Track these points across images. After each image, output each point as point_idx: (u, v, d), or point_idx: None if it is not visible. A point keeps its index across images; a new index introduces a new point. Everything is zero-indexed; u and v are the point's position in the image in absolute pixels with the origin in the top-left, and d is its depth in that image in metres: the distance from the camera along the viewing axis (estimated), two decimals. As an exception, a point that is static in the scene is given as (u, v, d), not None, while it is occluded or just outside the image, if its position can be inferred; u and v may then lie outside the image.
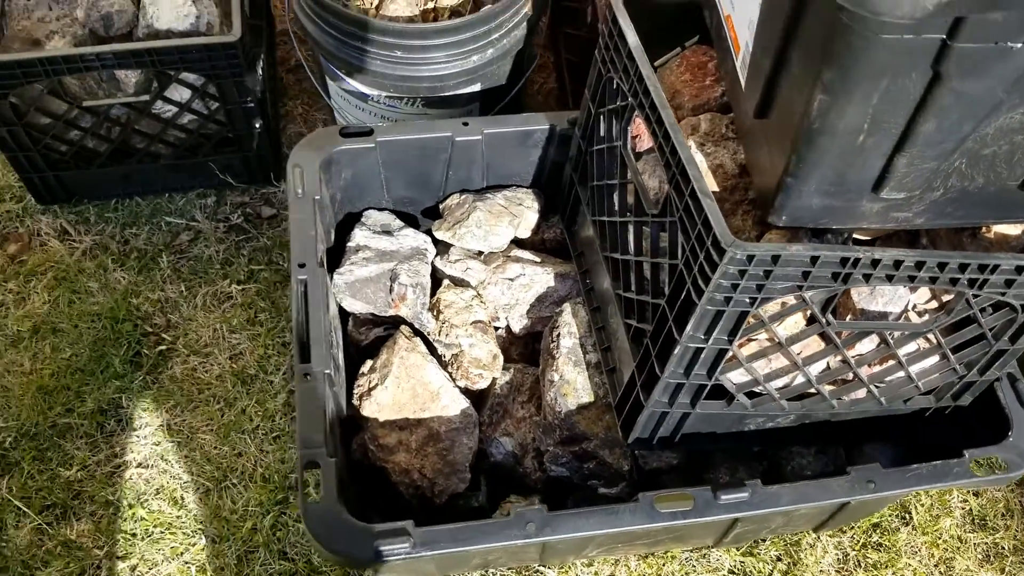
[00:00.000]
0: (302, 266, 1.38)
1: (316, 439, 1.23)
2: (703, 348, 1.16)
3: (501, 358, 1.52)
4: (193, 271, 1.93)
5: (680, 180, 1.14)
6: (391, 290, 1.50)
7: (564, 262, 1.64)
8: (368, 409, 1.42)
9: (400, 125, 1.57)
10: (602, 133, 1.46)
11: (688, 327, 1.13)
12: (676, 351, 1.17)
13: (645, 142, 1.38)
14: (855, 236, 1.25)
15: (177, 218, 2.01)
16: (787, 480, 1.46)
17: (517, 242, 1.67)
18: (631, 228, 1.35)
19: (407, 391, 1.43)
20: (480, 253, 1.64)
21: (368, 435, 1.43)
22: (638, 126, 1.37)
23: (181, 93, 1.80)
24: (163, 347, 1.83)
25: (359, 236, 1.56)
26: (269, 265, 1.95)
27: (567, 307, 1.51)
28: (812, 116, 0.96)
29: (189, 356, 1.82)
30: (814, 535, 1.68)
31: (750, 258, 1.05)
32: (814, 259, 1.06)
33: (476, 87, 1.72)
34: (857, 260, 1.07)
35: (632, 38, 1.28)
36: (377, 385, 1.42)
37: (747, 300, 1.10)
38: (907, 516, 1.74)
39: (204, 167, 1.99)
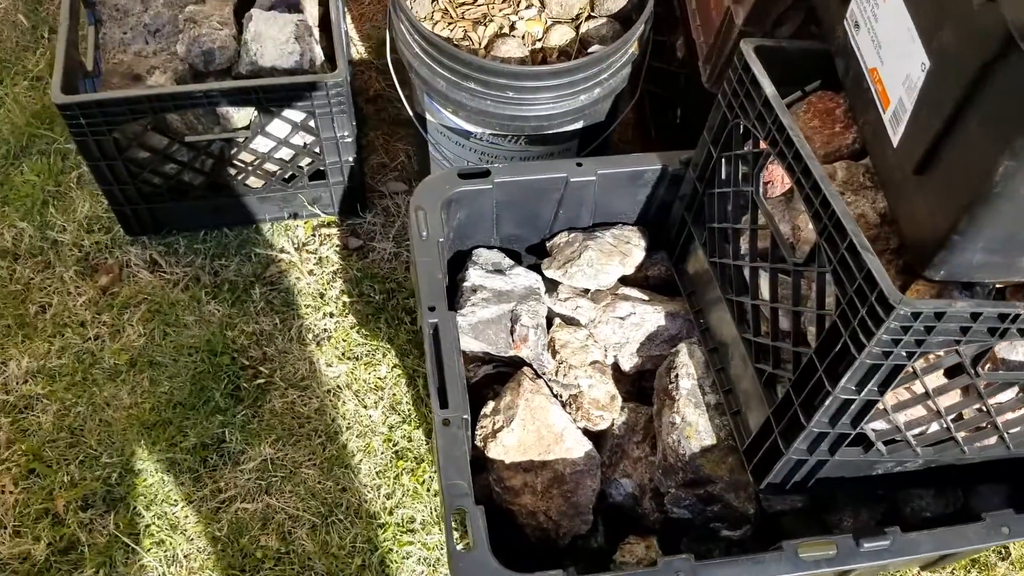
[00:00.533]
0: (432, 309, 1.39)
1: (461, 486, 1.24)
2: (853, 399, 1.17)
3: (619, 399, 1.53)
4: (286, 303, 1.94)
5: (835, 233, 1.15)
6: (513, 331, 1.51)
7: (671, 299, 1.65)
8: (494, 451, 1.43)
9: (516, 166, 1.58)
10: (724, 176, 1.47)
11: (843, 379, 1.14)
12: (826, 402, 1.18)
13: (777, 188, 1.39)
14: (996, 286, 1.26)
15: (266, 249, 2.02)
16: (907, 521, 1.48)
17: (622, 279, 1.67)
18: (763, 274, 1.36)
19: (532, 433, 1.44)
20: (587, 291, 1.65)
21: (493, 476, 1.44)
22: (770, 172, 1.38)
23: (280, 127, 1.81)
24: (261, 380, 1.83)
25: (474, 276, 1.57)
26: (361, 297, 1.96)
27: (683, 347, 1.52)
28: (994, 180, 0.97)
29: (287, 389, 1.83)
30: (916, 569, 1.69)
31: (915, 315, 1.06)
32: (975, 315, 1.08)
33: (579, 124, 1.73)
34: (1017, 316, 1.08)
35: (769, 88, 1.30)
36: (503, 427, 1.43)
37: (905, 354, 1.11)
38: (1004, 551, 1.75)
39: (293, 198, 2.00)
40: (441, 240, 1.47)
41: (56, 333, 1.87)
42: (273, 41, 1.78)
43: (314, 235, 2.06)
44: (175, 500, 1.70)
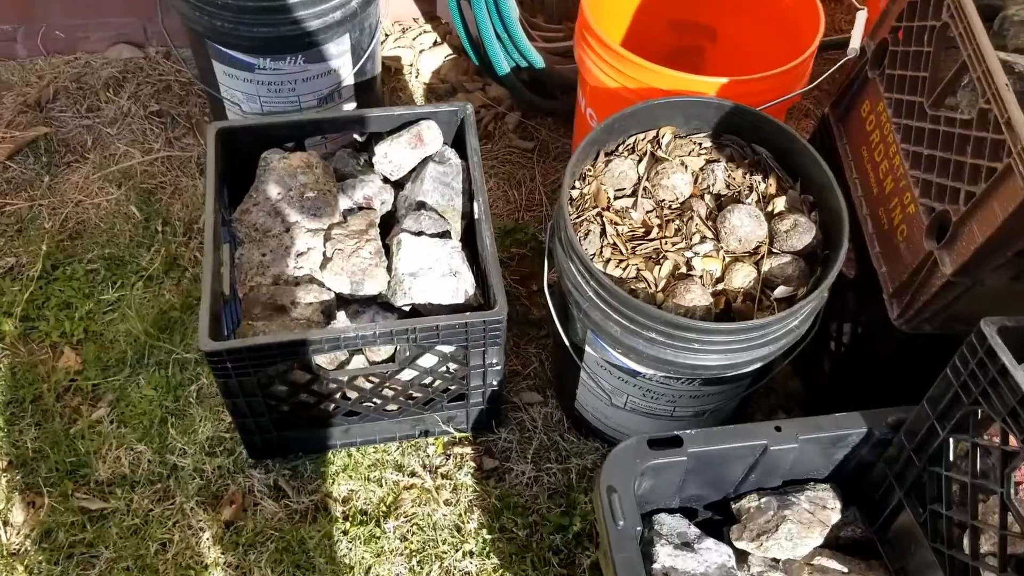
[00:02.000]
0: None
1: None
2: None
3: None
4: (423, 542, 1.79)
5: None
6: (718, 631, 1.34)
7: (868, 565, 1.49)
8: None
9: (711, 433, 1.45)
10: (953, 458, 1.32)
11: None
12: None
13: (1036, 492, 1.24)
14: None
15: (398, 473, 1.88)
16: None
17: (812, 542, 1.51)
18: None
19: None
20: (777, 560, 1.49)
21: None
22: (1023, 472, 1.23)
23: (427, 359, 1.69)
24: (403, 637, 1.67)
25: (663, 555, 1.42)
26: (502, 533, 1.81)
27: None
28: None
29: (432, 649, 1.66)
30: None
31: None
32: None
33: (756, 366, 1.59)
34: None
35: (1028, 384, 1.15)
36: None
37: None
38: None
39: (427, 418, 1.87)
40: (639, 529, 1.32)
41: (179, 577, 1.73)
42: (427, 273, 1.68)
43: (447, 455, 1.92)
44: None
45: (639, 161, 1.70)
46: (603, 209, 1.65)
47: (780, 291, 1.55)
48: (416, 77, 2.60)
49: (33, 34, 2.55)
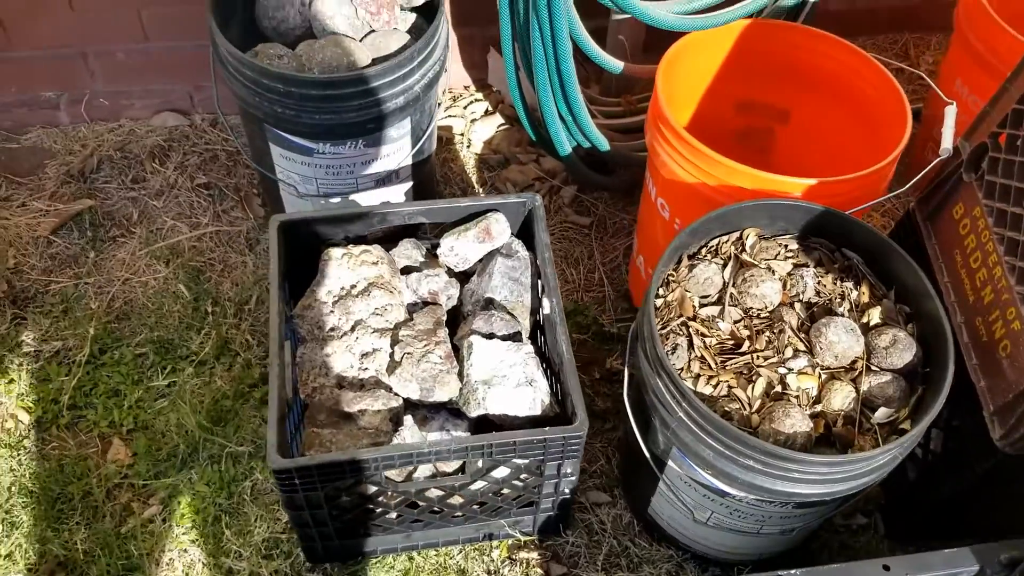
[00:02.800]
0: None
1: None
2: None
3: None
4: (492, 658, 1.71)
5: None
6: None
7: None
8: None
9: (818, 573, 1.37)
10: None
11: None
12: None
13: None
14: None
15: (462, 581, 1.80)
16: None
17: None
18: None
19: None
20: None
21: None
22: None
23: (500, 470, 1.62)
24: None
25: None
26: (574, 649, 1.73)
27: None
28: None
29: None
30: None
31: None
32: None
33: (855, 492, 1.51)
34: None
35: None
36: None
37: None
38: None
39: (493, 522, 1.79)
40: None
41: None
42: (502, 381, 1.60)
43: (512, 559, 1.84)
44: None
45: (724, 266, 1.63)
46: (689, 318, 1.58)
47: (881, 414, 1.47)
48: (468, 147, 2.54)
49: (77, 101, 2.49)
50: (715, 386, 1.51)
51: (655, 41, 2.40)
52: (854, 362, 1.53)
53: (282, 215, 1.77)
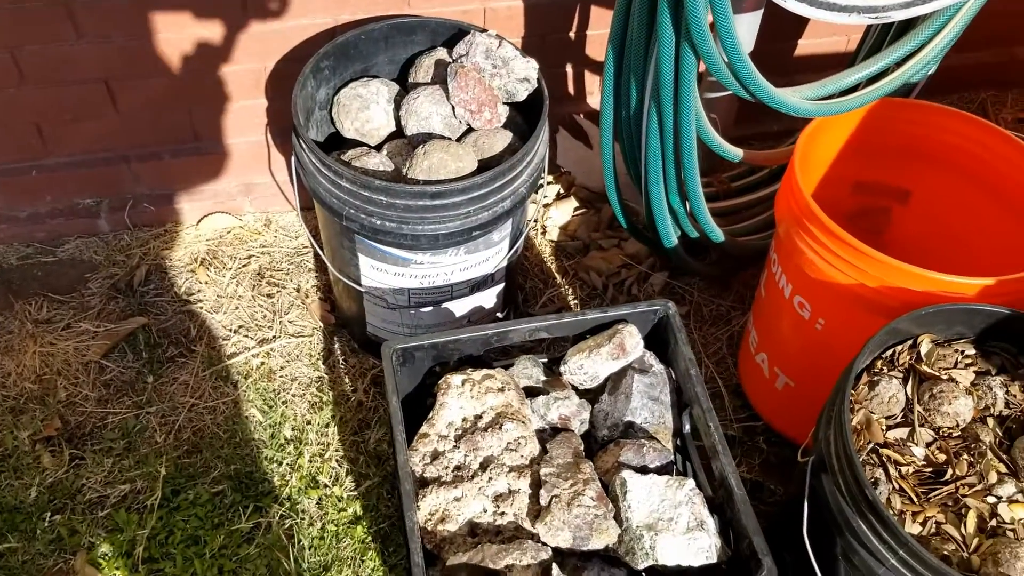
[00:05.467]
0: None
1: None
2: None
3: None
4: None
5: None
6: None
7: None
8: None
9: None
10: None
11: None
12: None
13: None
14: None
15: None
16: None
17: None
18: None
19: None
20: None
21: None
22: None
23: (670, 624, 1.43)
24: None
25: None
26: None
27: None
28: None
29: None
30: None
31: None
32: None
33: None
34: None
35: None
36: None
37: None
38: None
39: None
40: None
41: None
42: (669, 526, 1.42)
43: None
44: None
45: (904, 380, 1.47)
46: (879, 444, 1.41)
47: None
48: (543, 235, 2.37)
49: (118, 207, 2.29)
50: (923, 524, 1.34)
51: (744, 117, 2.27)
52: (1068, 485, 1.37)
53: (397, 342, 1.58)
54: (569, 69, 2.34)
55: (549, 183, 2.46)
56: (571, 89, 2.39)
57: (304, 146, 1.71)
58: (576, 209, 2.41)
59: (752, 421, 2.04)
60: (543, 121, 1.76)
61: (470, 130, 1.81)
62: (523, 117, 1.90)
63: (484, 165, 1.74)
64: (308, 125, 1.85)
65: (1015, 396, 1.47)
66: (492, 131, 1.78)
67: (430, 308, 1.90)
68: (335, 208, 1.71)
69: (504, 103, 1.83)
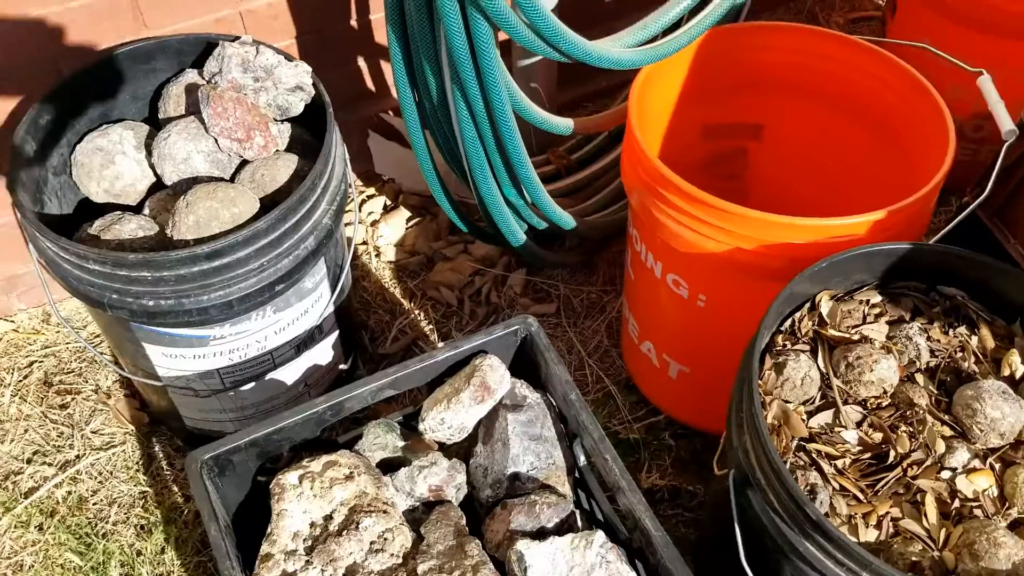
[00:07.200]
0: None
1: None
2: None
3: None
4: None
5: None
6: None
7: None
8: None
9: None
10: None
11: None
12: None
13: None
14: None
15: None
16: None
17: None
18: None
19: None
20: None
21: None
22: None
23: None
24: None
25: None
26: None
27: None
28: None
29: None
30: None
31: None
32: None
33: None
34: None
35: None
36: None
37: None
38: None
39: None
40: None
41: None
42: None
43: None
44: None
45: (812, 352, 1.24)
46: (804, 440, 1.17)
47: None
48: (378, 257, 2.05)
49: None
50: (878, 526, 1.11)
51: (569, 79, 2.01)
52: (1019, 434, 1.17)
53: (203, 451, 1.25)
54: (362, 64, 2.01)
55: (371, 197, 2.13)
56: (370, 85, 2.06)
57: (33, 232, 1.34)
58: (409, 220, 2.10)
59: (652, 416, 1.79)
60: (331, 131, 1.44)
61: (244, 163, 1.47)
62: (311, 132, 1.58)
63: (270, 203, 1.41)
64: (43, 199, 1.47)
65: (939, 341, 1.26)
66: (271, 159, 1.44)
67: (251, 385, 1.56)
68: (93, 297, 1.35)
69: (279, 121, 1.50)
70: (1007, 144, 1.34)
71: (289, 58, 1.51)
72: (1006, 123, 1.35)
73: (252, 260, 1.35)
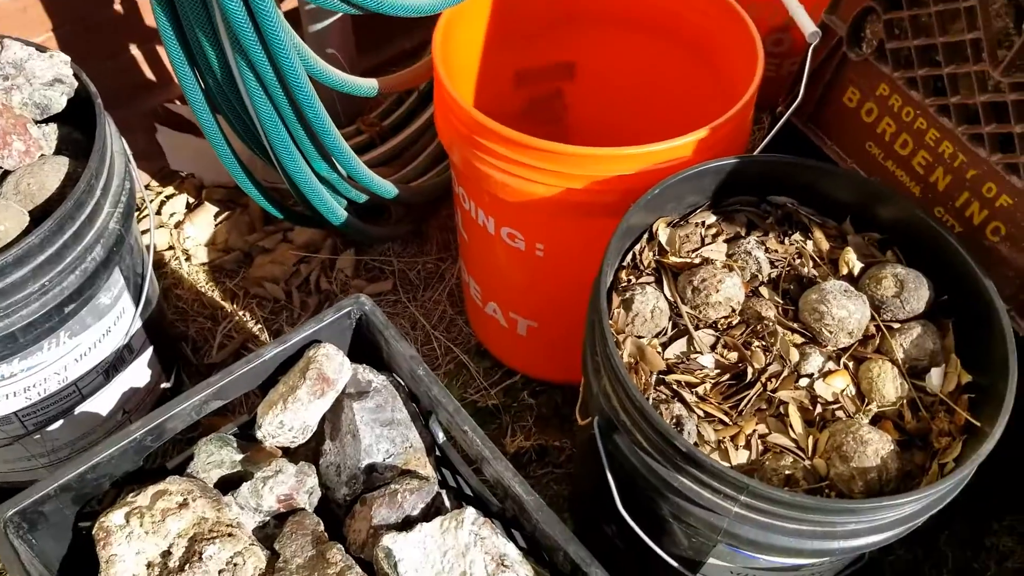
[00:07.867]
0: None
1: None
2: None
3: None
4: None
5: None
6: None
7: None
8: None
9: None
10: None
11: None
12: None
13: None
14: None
15: None
16: None
17: None
18: None
19: None
20: None
21: None
22: None
23: None
24: None
25: None
26: None
27: None
28: None
29: None
30: None
31: None
32: None
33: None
34: None
35: None
36: None
37: None
38: None
39: None
40: None
41: None
42: (467, 584, 1.06)
43: None
44: None
45: (658, 283, 1.20)
46: (662, 373, 1.13)
47: (936, 377, 1.13)
48: (187, 261, 1.88)
49: None
50: (747, 445, 1.08)
51: (369, 43, 1.89)
52: (866, 330, 1.17)
53: (3, 508, 1.07)
54: (136, 52, 1.82)
55: (171, 196, 1.95)
56: (150, 74, 1.87)
57: None
58: (218, 215, 1.93)
59: (508, 379, 1.73)
60: (102, 123, 1.27)
61: (6, 174, 1.27)
62: (82, 131, 1.39)
63: (40, 214, 1.23)
64: None
65: (776, 251, 1.25)
66: (36, 165, 1.25)
67: (59, 423, 1.38)
68: None
69: (40, 122, 1.31)
70: (811, 47, 1.34)
71: (41, 49, 1.32)
72: (808, 26, 1.34)
73: (31, 282, 1.17)
